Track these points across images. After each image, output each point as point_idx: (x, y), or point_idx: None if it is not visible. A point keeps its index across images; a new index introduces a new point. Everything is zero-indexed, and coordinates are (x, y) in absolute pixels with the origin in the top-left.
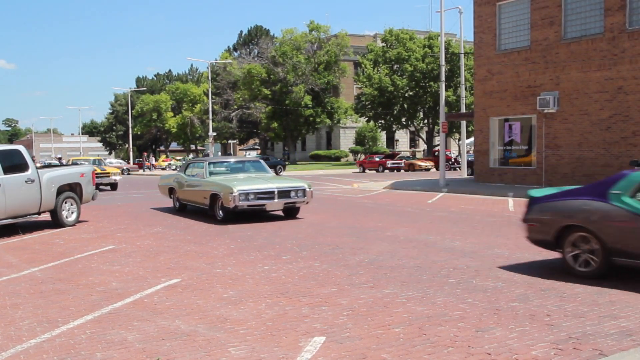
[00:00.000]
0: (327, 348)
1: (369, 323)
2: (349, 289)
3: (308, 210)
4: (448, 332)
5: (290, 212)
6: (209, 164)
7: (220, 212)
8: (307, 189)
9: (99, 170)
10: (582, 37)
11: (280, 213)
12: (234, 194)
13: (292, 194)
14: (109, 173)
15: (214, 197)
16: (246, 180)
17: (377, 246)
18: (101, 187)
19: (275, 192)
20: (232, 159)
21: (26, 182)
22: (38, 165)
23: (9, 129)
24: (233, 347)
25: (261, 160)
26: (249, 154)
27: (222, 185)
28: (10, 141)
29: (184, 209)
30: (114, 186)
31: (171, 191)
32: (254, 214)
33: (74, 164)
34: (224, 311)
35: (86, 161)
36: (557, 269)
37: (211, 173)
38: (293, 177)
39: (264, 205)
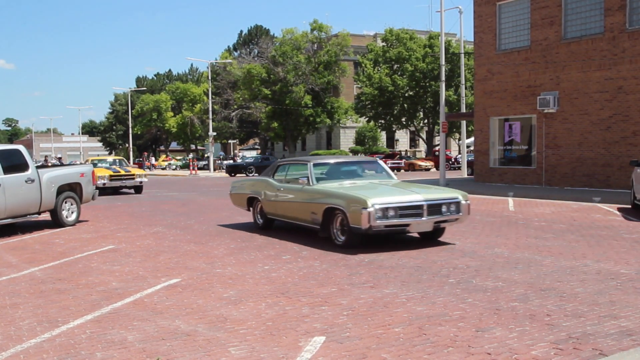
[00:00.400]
0: (327, 348)
1: (369, 323)
2: (349, 288)
3: None
4: (448, 332)
5: (434, 234)
6: (314, 165)
7: (341, 234)
8: (463, 202)
9: (122, 172)
10: (582, 37)
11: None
12: (369, 210)
13: (444, 208)
14: (133, 175)
15: (331, 213)
16: (376, 188)
17: (377, 246)
18: (124, 190)
19: (424, 207)
20: (341, 159)
21: (26, 181)
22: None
23: (9, 128)
24: (233, 347)
25: (379, 160)
26: (241, 154)
27: (347, 196)
28: (10, 141)
29: (269, 226)
30: (138, 189)
31: (251, 202)
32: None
33: (93, 164)
34: (224, 311)
35: (106, 161)
36: (556, 269)
37: (319, 179)
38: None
39: (407, 225)
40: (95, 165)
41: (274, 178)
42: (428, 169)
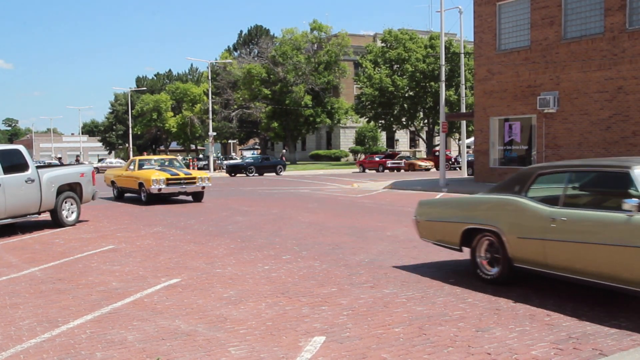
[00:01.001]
0: (327, 348)
1: (369, 323)
2: (349, 288)
3: (307, 210)
4: (448, 332)
5: None
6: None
7: None
8: None
9: (181, 175)
10: (582, 37)
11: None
12: None
13: None
14: (194, 178)
15: None
16: None
17: (377, 246)
18: (179, 197)
19: None
20: None
21: (26, 181)
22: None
23: (9, 128)
24: (233, 347)
25: None
26: (241, 154)
27: None
28: (10, 141)
29: (513, 278)
30: (198, 196)
31: (472, 236)
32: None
33: (140, 165)
34: (224, 311)
35: (151, 162)
36: None
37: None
38: (292, 177)
39: None
40: (141, 166)
41: (527, 196)
42: (428, 169)
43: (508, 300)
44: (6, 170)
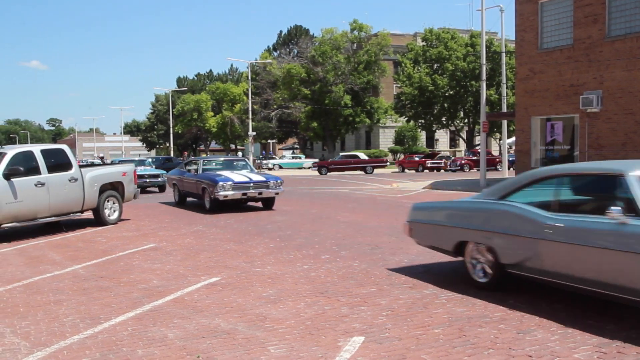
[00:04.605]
0: (366, 348)
1: (408, 323)
2: (389, 289)
3: (346, 210)
4: (488, 333)
5: None
6: None
7: None
8: None
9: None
10: (626, 35)
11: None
12: None
13: None
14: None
15: None
16: None
17: (416, 246)
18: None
19: None
20: None
21: (69, 180)
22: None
23: (53, 128)
24: (272, 346)
25: None
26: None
27: None
28: (54, 140)
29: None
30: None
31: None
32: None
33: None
34: (263, 310)
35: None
36: None
37: None
38: (331, 177)
39: None
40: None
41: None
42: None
43: (549, 303)
44: (50, 170)
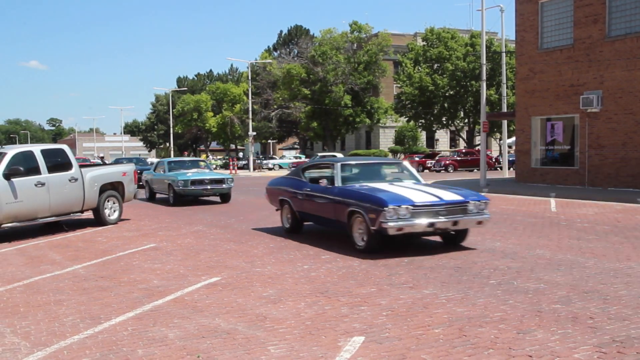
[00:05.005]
0: (366, 348)
1: (408, 323)
2: (389, 289)
3: None
4: (489, 333)
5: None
6: None
7: None
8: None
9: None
10: (626, 35)
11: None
12: None
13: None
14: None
15: None
16: None
17: (416, 246)
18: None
19: None
20: None
21: (70, 180)
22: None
23: (53, 128)
24: (272, 346)
25: None
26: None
27: None
28: (55, 140)
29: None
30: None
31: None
32: None
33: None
34: (264, 310)
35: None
36: (600, 272)
37: None
38: None
39: None
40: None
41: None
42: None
43: (550, 303)
44: (50, 170)
